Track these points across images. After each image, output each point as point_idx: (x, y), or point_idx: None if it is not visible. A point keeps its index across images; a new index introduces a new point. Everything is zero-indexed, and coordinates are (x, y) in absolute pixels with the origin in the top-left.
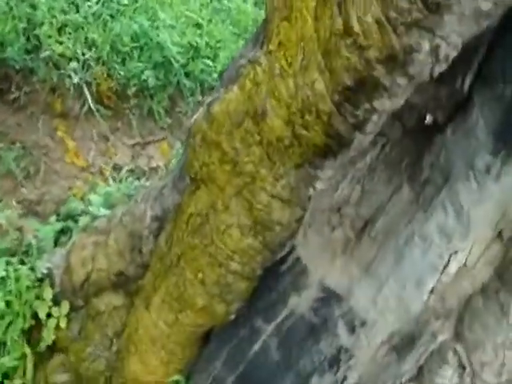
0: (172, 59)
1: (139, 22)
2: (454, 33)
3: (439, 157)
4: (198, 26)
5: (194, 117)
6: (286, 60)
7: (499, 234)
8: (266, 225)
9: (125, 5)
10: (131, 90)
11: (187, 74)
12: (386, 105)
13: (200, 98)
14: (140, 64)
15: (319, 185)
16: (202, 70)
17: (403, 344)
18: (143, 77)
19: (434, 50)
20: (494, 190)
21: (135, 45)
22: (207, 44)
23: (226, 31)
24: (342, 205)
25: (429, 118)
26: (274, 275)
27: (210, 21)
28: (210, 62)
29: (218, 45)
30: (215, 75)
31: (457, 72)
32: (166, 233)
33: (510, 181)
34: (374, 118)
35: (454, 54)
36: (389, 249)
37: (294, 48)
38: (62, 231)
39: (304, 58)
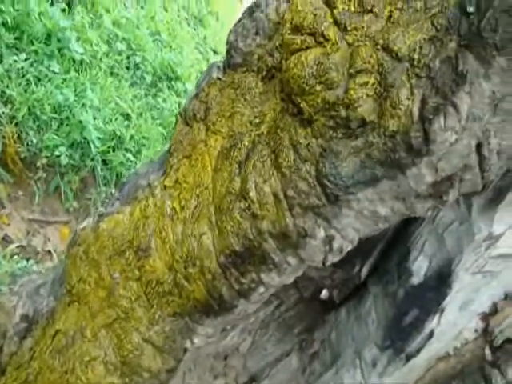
0: (91, 143)
1: (65, 95)
2: (350, 228)
3: (330, 335)
4: (127, 117)
5: (85, 223)
6: (180, 202)
7: None
8: (133, 368)
9: (54, 72)
10: (41, 162)
11: (105, 162)
12: (274, 280)
13: (113, 189)
14: (56, 137)
15: (197, 340)
16: (121, 162)
17: None
18: (57, 152)
19: (328, 240)
20: None
21: (55, 116)
22: (132, 137)
23: (154, 130)
24: (230, 353)
25: (324, 294)
26: None
27: (140, 115)
28: (131, 157)
29: (144, 141)
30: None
31: (355, 260)
32: (32, 339)
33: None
34: (261, 289)
35: (349, 247)
36: None
37: (189, 192)
38: None
39: (197, 207)
